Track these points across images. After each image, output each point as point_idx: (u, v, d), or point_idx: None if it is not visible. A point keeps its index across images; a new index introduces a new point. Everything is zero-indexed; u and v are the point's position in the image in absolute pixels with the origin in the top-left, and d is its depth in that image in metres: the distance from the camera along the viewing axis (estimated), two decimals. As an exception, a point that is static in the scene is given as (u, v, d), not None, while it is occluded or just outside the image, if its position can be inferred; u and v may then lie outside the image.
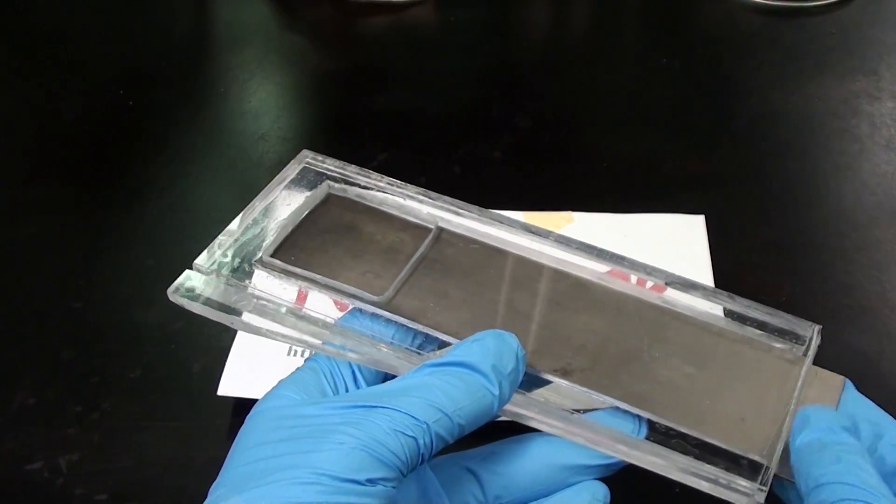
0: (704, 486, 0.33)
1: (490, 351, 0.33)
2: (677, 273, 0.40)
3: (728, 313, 0.39)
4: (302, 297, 0.39)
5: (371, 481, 0.29)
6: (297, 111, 0.72)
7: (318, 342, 0.37)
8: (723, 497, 0.33)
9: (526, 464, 0.35)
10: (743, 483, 0.33)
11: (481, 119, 0.69)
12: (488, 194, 0.60)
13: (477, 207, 0.42)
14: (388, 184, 0.43)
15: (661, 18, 0.81)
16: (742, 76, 0.72)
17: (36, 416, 0.49)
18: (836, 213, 0.60)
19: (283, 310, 0.37)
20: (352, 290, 0.38)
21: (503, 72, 0.75)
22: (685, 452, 0.34)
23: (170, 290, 0.38)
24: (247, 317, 0.38)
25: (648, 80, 0.73)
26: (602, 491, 0.35)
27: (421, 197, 0.42)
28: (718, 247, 0.56)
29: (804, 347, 0.37)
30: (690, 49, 0.76)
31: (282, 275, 0.39)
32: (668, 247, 0.55)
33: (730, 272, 0.54)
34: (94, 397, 0.49)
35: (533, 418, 0.35)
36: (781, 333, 0.38)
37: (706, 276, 0.53)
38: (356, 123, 0.69)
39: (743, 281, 0.54)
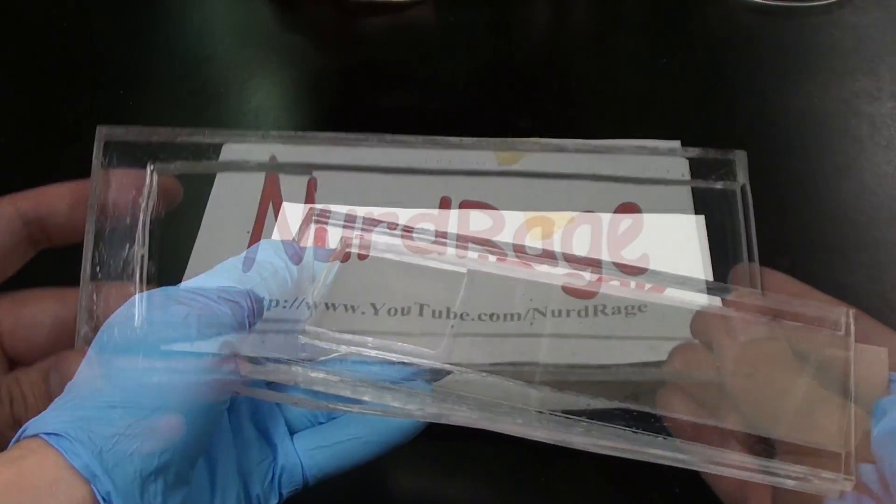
0: (790, 485, 0.34)
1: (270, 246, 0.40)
2: (674, 273, 0.41)
3: (766, 309, 0.40)
4: None
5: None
6: (297, 111, 0.72)
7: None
8: (811, 491, 0.34)
9: None
10: (828, 475, 0.33)
11: (481, 119, 0.69)
12: (488, 194, 0.61)
13: (502, 242, 0.42)
14: (405, 230, 0.42)
15: (661, 18, 0.81)
16: (742, 76, 0.72)
17: (36, 416, 0.49)
18: (836, 213, 0.60)
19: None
20: (409, 348, 0.38)
21: (503, 72, 0.75)
22: (769, 456, 0.34)
23: None
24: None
25: (648, 80, 0.73)
26: None
27: (441, 239, 0.42)
28: (718, 247, 0.55)
29: (843, 331, 0.38)
30: (690, 49, 0.76)
31: (330, 343, 0.38)
32: (667, 247, 0.55)
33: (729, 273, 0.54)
34: (94, 397, 0.49)
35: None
36: (819, 321, 0.39)
37: (705, 277, 0.53)
38: (356, 123, 0.69)
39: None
